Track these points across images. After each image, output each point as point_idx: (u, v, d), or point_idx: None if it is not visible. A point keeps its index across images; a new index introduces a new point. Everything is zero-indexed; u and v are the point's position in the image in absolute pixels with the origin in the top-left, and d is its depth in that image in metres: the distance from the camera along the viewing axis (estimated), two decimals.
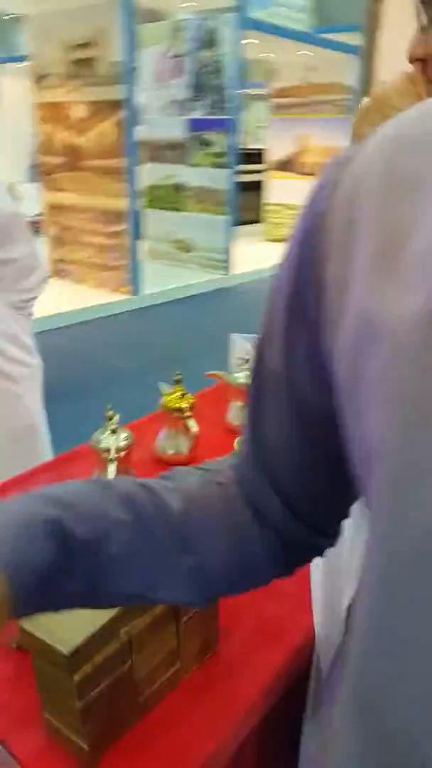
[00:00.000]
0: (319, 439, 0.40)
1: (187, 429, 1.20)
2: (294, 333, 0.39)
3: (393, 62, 1.17)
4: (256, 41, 6.61)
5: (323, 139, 7.77)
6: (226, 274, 6.60)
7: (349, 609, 0.42)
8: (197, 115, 6.39)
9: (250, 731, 0.74)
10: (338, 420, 0.35)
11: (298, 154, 8.07)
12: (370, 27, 1.13)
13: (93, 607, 0.42)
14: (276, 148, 8.24)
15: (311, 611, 0.85)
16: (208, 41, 6.14)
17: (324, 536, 0.45)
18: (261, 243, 8.24)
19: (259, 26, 6.47)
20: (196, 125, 6.41)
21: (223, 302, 6.02)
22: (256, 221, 8.32)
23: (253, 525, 0.44)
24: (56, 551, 0.37)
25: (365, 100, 0.73)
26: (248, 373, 1.40)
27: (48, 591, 0.36)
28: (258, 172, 8.31)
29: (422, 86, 0.68)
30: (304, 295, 0.37)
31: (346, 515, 0.45)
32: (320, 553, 0.47)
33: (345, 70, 7.37)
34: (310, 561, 0.48)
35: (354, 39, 7.08)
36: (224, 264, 6.65)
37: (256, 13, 6.61)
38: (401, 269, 0.29)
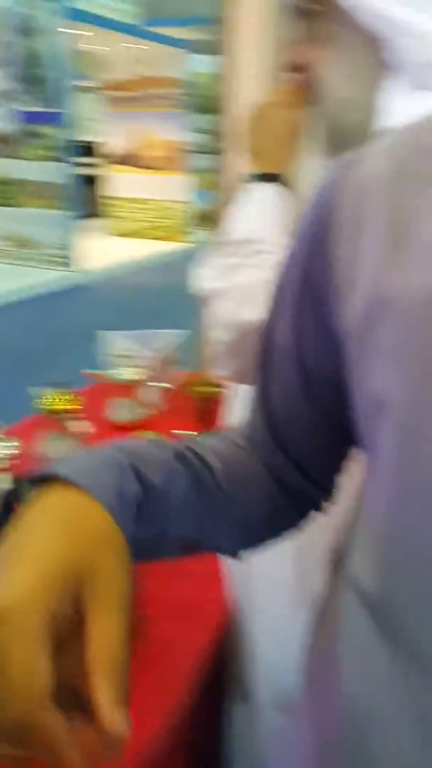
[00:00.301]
0: (323, 406, 0.46)
1: (69, 430, 1.19)
2: (305, 309, 0.44)
3: (243, 58, 1.24)
4: (90, 33, 6.46)
5: (161, 132, 7.80)
6: (69, 270, 6.42)
7: (337, 558, 0.46)
8: (23, 106, 6.13)
9: (182, 716, 0.76)
10: (344, 383, 0.40)
11: (138, 148, 8.05)
12: (221, 21, 1.19)
13: (153, 557, 0.43)
14: (113, 142, 8.14)
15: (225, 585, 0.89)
16: (26, 30, 5.90)
17: (324, 491, 0.51)
18: (107, 238, 8.10)
19: (83, 16, 6.32)
20: (28, 118, 6.16)
21: (76, 300, 5.84)
22: (94, 215, 8.18)
23: (270, 481, 0.50)
24: (142, 495, 0.39)
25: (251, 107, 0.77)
26: (133, 368, 1.39)
27: (131, 536, 0.37)
28: (91, 165, 8.15)
29: (299, 95, 0.74)
30: (314, 275, 0.42)
31: (340, 471, 0.51)
32: (319, 509, 0.52)
33: (176, 65, 7.46)
34: (309, 516, 0.53)
35: (186, 33, 7.18)
36: (65, 260, 6.47)
37: (82, 4, 6.45)
38: (412, 252, 0.35)
